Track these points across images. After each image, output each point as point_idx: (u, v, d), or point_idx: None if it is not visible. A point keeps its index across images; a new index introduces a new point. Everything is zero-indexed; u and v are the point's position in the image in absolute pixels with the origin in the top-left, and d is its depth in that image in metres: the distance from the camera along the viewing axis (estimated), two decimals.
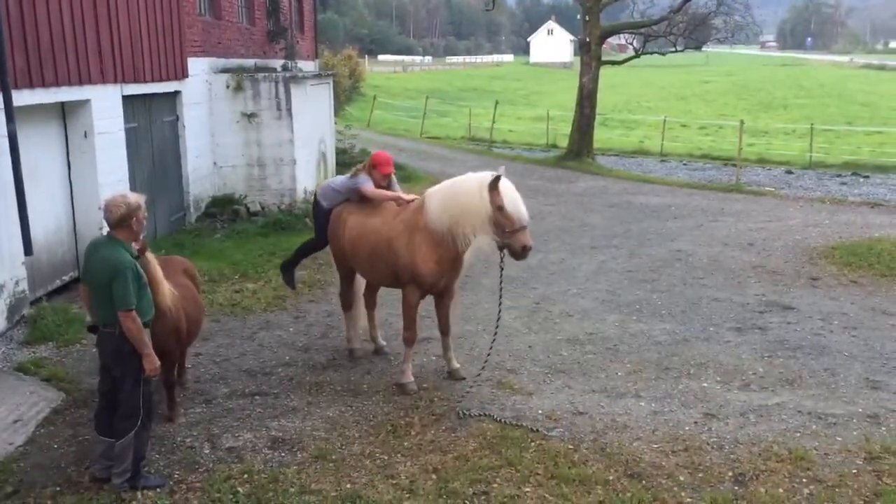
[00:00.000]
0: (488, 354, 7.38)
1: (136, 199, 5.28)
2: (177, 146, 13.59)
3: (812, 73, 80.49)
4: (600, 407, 6.76)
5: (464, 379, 7.30)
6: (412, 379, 7.12)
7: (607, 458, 5.84)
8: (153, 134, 12.73)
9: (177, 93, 13.37)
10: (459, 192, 6.70)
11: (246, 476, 5.55)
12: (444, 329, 7.38)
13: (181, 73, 13.22)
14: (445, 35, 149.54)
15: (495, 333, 7.36)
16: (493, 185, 6.47)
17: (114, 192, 10.33)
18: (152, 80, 12.23)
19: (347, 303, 7.96)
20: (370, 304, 8.11)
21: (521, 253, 6.50)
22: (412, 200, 7.24)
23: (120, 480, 5.27)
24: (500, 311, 7.33)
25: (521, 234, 6.43)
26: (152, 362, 5.23)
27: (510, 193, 6.47)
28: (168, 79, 12.79)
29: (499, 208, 6.43)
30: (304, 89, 15.68)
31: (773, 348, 8.25)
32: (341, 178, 7.89)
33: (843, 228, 14.50)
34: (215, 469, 5.65)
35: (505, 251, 6.65)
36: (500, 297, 7.40)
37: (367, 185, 7.46)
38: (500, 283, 7.25)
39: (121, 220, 5.18)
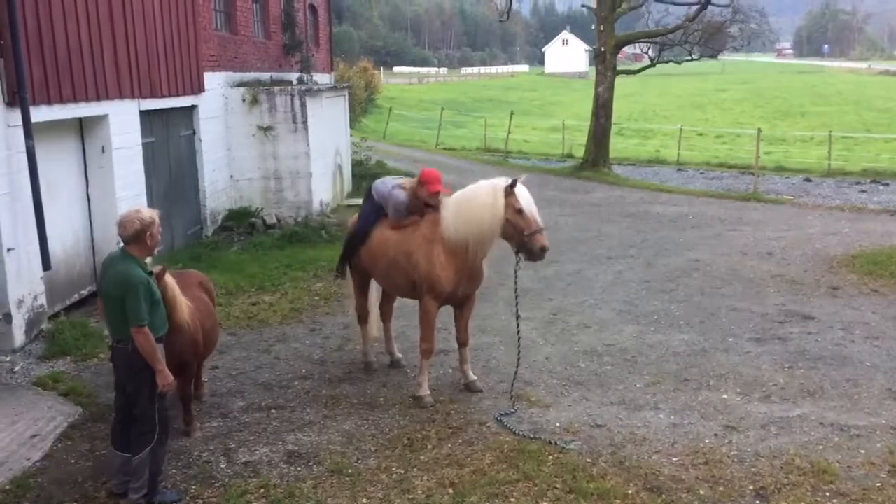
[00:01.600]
0: (517, 370, 7.32)
1: (150, 214, 5.28)
2: (193, 160, 13.67)
3: (829, 80, 79.99)
4: (618, 419, 6.69)
5: (481, 391, 7.26)
6: (429, 392, 7.08)
7: (626, 471, 5.77)
8: (170, 148, 12.81)
9: (193, 107, 13.45)
10: (472, 199, 6.75)
11: (262, 491, 5.53)
12: (463, 340, 7.36)
13: (198, 88, 13.31)
14: (460, 46, 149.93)
15: (518, 343, 7.32)
16: (509, 191, 6.56)
17: (131, 206, 10.42)
18: (169, 95, 12.32)
19: (363, 315, 7.94)
20: (386, 317, 8.08)
21: (539, 254, 6.58)
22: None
23: (137, 496, 5.26)
24: (518, 319, 7.28)
25: (539, 235, 6.53)
26: (165, 378, 5.20)
27: (526, 197, 6.60)
28: (185, 93, 12.87)
29: (517, 212, 6.54)
30: (319, 102, 15.74)
31: (793, 359, 8.15)
32: (391, 183, 7.53)
33: (863, 237, 14.35)
34: (231, 484, 5.63)
35: (521, 256, 6.72)
36: (517, 304, 7.25)
37: (397, 210, 7.25)
38: (516, 289, 7.12)
39: (134, 235, 5.18)
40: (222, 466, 5.91)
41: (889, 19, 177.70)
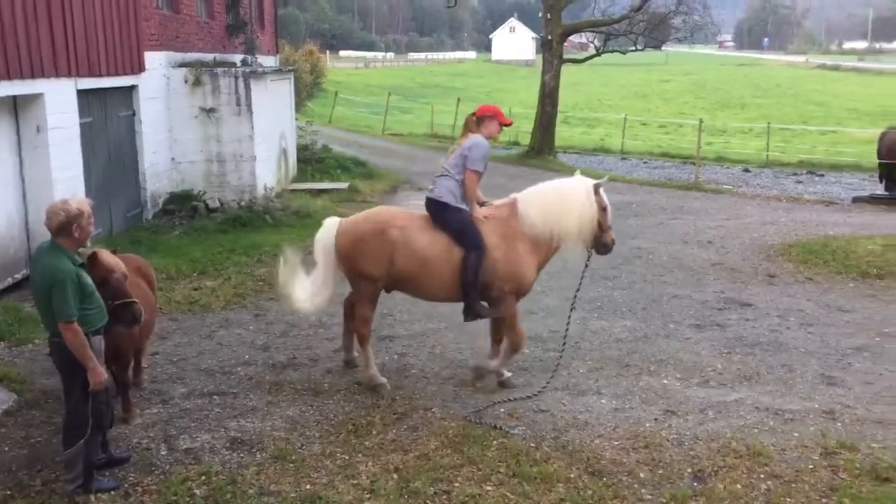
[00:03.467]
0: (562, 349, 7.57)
1: (78, 205, 4.95)
2: (133, 141, 13.35)
3: (769, 73, 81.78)
4: (562, 404, 6.77)
5: (515, 387, 7.11)
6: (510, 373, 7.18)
7: (569, 455, 5.84)
8: (109, 129, 12.48)
9: (133, 87, 13.13)
10: (566, 197, 6.92)
11: (203, 478, 5.45)
12: (501, 337, 7.18)
13: (138, 67, 12.98)
14: (407, 31, 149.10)
15: (567, 329, 7.57)
16: (597, 189, 6.94)
17: (68, 188, 10.14)
18: (108, 75, 11.99)
19: (366, 332, 7.05)
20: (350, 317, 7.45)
21: (611, 247, 7.15)
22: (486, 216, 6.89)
23: (72, 486, 5.13)
24: (571, 309, 7.66)
25: (611, 230, 7.09)
26: (97, 375, 4.97)
27: (606, 195, 7.02)
28: (124, 73, 12.54)
29: (603, 209, 6.95)
30: (264, 84, 15.51)
31: (731, 345, 8.34)
32: (447, 164, 6.90)
33: (798, 226, 14.74)
34: (172, 471, 5.53)
35: (591, 251, 7.13)
36: (576, 295, 7.64)
37: (485, 158, 6.82)
38: (581, 280, 7.52)
39: (60, 227, 4.90)
40: (163, 454, 5.81)
41: (826, 14, 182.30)
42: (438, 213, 6.84)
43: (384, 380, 7.04)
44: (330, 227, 7.01)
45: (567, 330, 7.53)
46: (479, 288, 6.78)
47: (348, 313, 7.33)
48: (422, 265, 6.73)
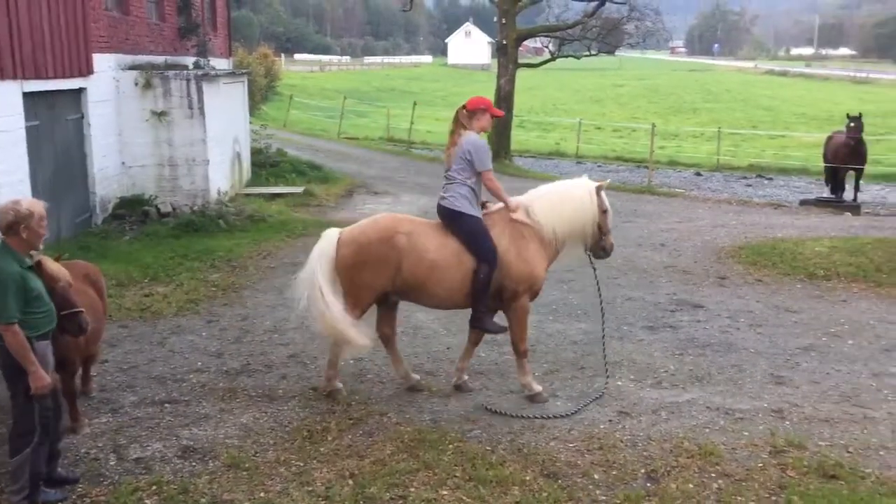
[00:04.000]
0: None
1: (29, 206, 4.91)
2: (82, 145, 13.09)
3: (719, 79, 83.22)
4: (518, 407, 6.79)
5: (471, 391, 7.14)
6: (541, 387, 7.00)
7: (524, 458, 5.86)
8: (56, 132, 12.22)
9: (82, 90, 12.87)
10: (569, 198, 6.87)
11: (154, 488, 5.36)
12: (477, 339, 7.20)
13: (86, 70, 12.74)
14: (363, 35, 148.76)
15: (603, 334, 7.69)
16: (598, 191, 6.89)
17: (14, 193, 9.89)
18: (55, 77, 11.74)
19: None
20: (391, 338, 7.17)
21: (610, 251, 7.11)
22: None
23: (18, 498, 5.00)
24: (602, 312, 7.70)
25: (610, 234, 7.03)
26: (39, 379, 4.87)
27: (607, 198, 6.94)
28: (72, 75, 12.30)
29: (604, 212, 6.89)
30: (217, 87, 15.33)
31: (683, 346, 8.46)
32: (455, 168, 6.73)
33: (748, 229, 15.01)
34: (121, 481, 5.43)
35: (590, 254, 7.10)
36: (600, 297, 7.61)
37: (489, 156, 6.76)
38: (597, 281, 7.45)
39: (7, 227, 4.85)
40: (112, 464, 5.70)
41: (774, 21, 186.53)
42: (452, 221, 6.69)
43: (340, 385, 7.00)
44: (330, 239, 6.70)
45: (604, 345, 7.67)
46: (489, 298, 6.68)
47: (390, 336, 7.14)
48: (430, 272, 6.55)
